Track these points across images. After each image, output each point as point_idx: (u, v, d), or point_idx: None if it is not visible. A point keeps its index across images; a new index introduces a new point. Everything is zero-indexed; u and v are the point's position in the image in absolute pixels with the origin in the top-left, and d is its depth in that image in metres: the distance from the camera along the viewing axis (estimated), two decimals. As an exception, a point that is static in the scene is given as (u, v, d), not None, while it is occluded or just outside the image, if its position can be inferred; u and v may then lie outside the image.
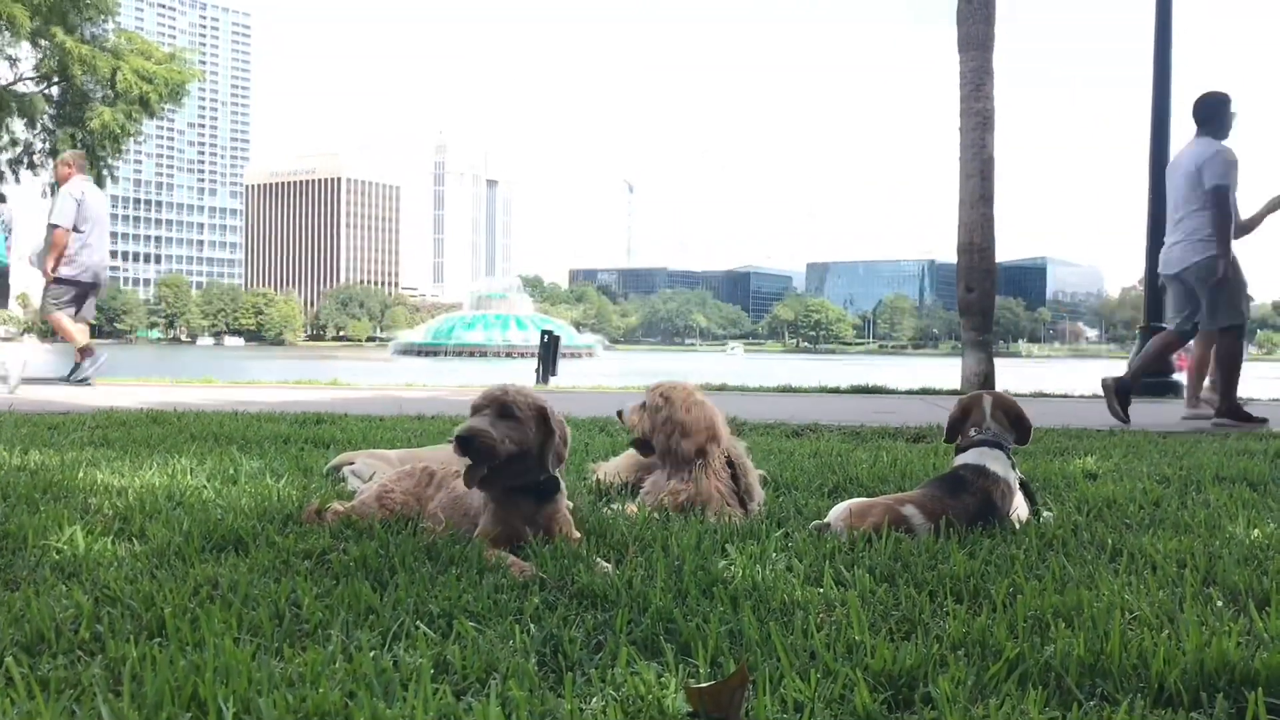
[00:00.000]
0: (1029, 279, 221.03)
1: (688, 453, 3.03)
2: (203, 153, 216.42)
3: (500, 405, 2.48)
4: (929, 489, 2.83)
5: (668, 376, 3.34)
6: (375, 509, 2.75)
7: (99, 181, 25.94)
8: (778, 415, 6.51)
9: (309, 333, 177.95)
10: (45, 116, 25.57)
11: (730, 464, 3.10)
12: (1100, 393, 7.50)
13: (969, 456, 2.84)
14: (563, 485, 2.62)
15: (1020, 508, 2.92)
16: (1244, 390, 7.44)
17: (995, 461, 2.80)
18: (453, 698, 1.50)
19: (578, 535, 2.60)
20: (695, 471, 3.02)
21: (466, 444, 2.41)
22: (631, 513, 2.94)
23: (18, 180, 25.98)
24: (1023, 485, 2.97)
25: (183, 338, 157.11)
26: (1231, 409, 6.93)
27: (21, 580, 2.19)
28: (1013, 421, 2.93)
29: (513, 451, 2.45)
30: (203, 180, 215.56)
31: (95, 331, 11.29)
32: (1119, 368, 8.34)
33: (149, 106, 25.52)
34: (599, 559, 2.36)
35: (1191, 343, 7.64)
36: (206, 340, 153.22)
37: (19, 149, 25.67)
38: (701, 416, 3.06)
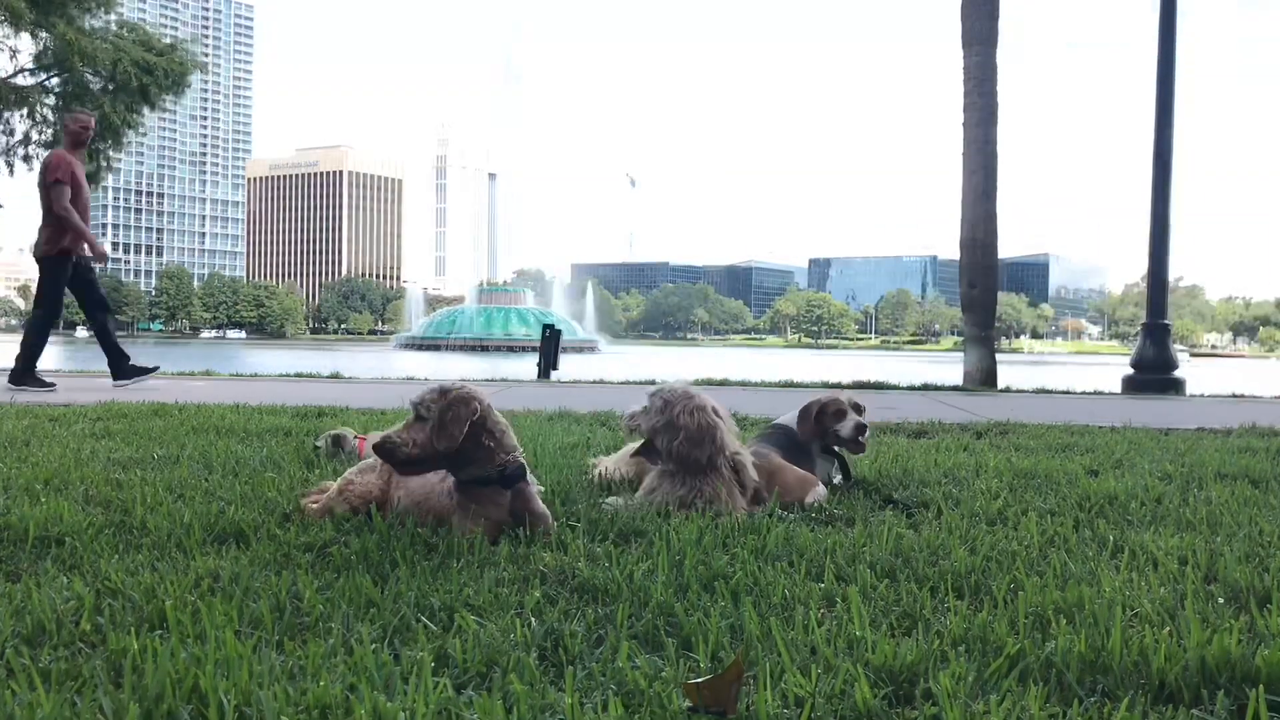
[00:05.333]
0: (1031, 275, 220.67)
1: (698, 461, 2.94)
2: (204, 145, 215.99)
3: (414, 408, 2.59)
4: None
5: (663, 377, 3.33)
6: (339, 502, 2.76)
7: (98, 174, 25.85)
8: (781, 409, 6.50)
9: (311, 326, 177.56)
10: (44, 108, 25.32)
11: (735, 468, 3.04)
12: (1101, 389, 7.44)
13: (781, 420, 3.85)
14: (528, 471, 2.66)
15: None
16: (1244, 387, 7.40)
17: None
18: (453, 691, 1.50)
19: (547, 516, 2.64)
20: (705, 484, 2.93)
21: (377, 449, 2.59)
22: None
23: (11, 172, 25.63)
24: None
25: (184, 330, 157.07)
26: None
27: (23, 572, 2.19)
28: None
29: (415, 455, 2.54)
30: (204, 173, 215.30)
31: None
32: (1122, 364, 8.32)
33: (149, 98, 25.34)
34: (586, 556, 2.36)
35: None
36: (209, 333, 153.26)
37: (15, 139, 25.33)
38: (706, 423, 2.98)
